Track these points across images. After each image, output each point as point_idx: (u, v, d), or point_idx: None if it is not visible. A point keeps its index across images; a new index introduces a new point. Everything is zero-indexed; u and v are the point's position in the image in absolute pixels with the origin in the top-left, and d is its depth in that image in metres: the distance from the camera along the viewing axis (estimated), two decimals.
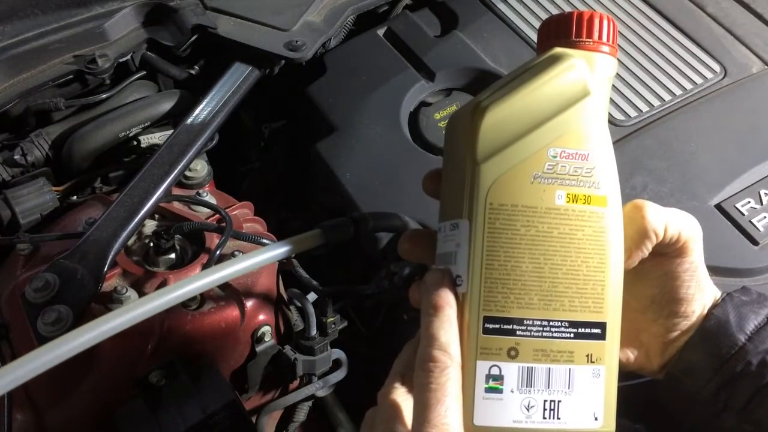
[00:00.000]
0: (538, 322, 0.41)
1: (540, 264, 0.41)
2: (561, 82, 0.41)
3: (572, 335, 0.41)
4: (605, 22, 0.43)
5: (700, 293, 0.48)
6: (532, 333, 0.41)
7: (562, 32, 0.43)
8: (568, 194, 0.41)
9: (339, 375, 0.74)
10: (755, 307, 0.48)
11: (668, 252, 0.47)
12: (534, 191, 0.41)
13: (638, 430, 0.52)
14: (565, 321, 0.41)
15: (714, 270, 0.65)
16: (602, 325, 0.42)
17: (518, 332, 0.41)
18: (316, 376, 0.72)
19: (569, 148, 0.41)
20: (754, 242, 0.72)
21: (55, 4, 0.83)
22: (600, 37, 0.43)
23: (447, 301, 0.41)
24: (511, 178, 0.41)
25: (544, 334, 0.41)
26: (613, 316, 0.42)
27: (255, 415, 0.72)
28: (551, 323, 0.41)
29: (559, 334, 0.41)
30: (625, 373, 0.49)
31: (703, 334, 0.47)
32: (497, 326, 0.40)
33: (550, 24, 0.44)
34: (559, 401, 0.41)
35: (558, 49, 0.43)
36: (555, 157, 0.41)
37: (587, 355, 0.41)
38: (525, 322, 0.41)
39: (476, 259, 0.41)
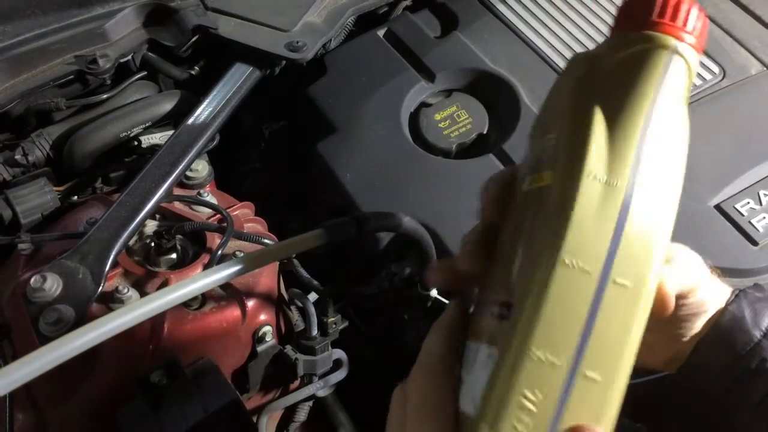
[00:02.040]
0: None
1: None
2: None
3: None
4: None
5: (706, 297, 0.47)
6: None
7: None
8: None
9: (340, 375, 0.74)
10: None
11: None
12: None
13: (638, 429, 0.52)
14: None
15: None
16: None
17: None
18: (316, 376, 0.72)
19: None
20: (754, 243, 0.73)
21: (56, 4, 0.83)
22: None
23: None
24: None
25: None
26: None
27: (256, 414, 0.72)
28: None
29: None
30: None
31: (717, 330, 0.47)
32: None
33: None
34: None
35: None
36: None
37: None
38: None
39: None
